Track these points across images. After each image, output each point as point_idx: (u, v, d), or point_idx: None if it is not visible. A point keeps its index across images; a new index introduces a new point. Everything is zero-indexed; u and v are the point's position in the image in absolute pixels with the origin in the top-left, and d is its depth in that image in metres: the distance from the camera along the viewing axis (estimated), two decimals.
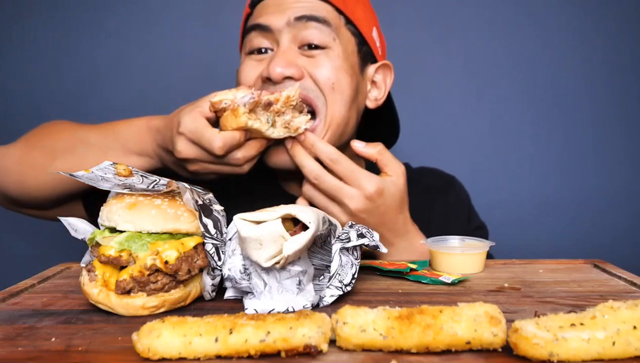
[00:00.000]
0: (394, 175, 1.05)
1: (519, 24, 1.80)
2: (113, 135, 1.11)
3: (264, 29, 1.13)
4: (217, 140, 0.95)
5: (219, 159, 0.98)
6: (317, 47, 1.11)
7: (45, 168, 1.09)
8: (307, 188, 1.05)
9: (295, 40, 1.11)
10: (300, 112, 1.05)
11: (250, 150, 1.00)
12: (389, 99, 1.30)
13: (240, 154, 0.98)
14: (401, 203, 1.06)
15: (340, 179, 1.02)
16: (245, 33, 1.18)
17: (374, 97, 1.24)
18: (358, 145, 1.07)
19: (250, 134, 0.99)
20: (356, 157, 1.15)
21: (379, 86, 1.24)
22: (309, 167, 1.03)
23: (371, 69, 1.22)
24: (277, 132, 1.01)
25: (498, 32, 1.80)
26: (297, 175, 1.12)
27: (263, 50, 1.15)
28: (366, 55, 1.20)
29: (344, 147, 1.15)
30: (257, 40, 1.14)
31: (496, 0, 1.81)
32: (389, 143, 1.35)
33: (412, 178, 1.34)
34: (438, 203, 1.33)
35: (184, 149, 0.98)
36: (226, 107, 0.97)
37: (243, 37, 1.21)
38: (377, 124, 1.34)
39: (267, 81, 1.09)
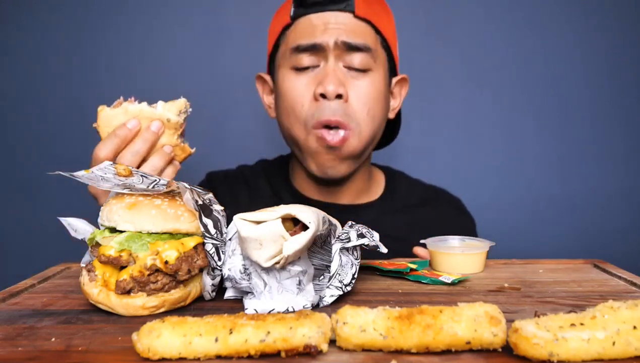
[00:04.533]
0: None
1: (518, 24, 1.80)
2: None
3: (316, 49, 1.15)
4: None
5: None
6: (359, 69, 1.16)
7: None
8: None
9: (340, 58, 1.15)
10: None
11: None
12: None
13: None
14: None
15: None
16: (294, 49, 1.17)
17: (392, 108, 1.29)
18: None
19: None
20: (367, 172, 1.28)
21: (395, 97, 1.29)
22: None
23: (392, 81, 1.27)
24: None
25: (497, 32, 1.80)
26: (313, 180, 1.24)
27: (310, 67, 1.17)
28: (392, 69, 1.25)
29: (366, 154, 1.23)
30: (309, 59, 1.16)
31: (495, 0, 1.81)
32: (387, 141, 1.38)
33: (430, 197, 1.38)
34: (435, 217, 1.34)
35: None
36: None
37: (276, 45, 1.22)
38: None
39: (321, 97, 1.13)
